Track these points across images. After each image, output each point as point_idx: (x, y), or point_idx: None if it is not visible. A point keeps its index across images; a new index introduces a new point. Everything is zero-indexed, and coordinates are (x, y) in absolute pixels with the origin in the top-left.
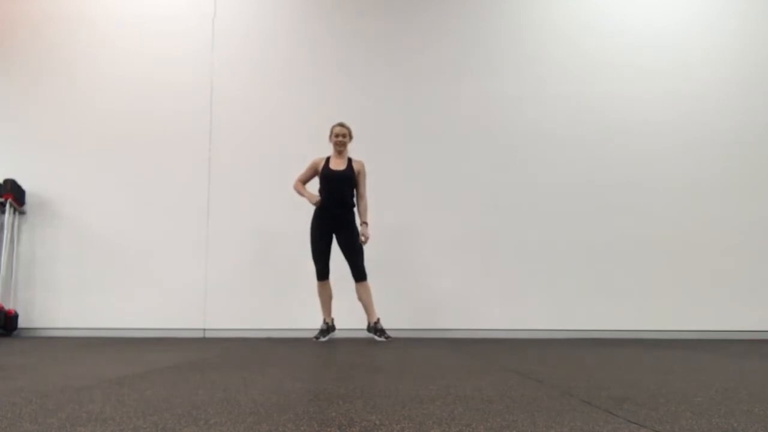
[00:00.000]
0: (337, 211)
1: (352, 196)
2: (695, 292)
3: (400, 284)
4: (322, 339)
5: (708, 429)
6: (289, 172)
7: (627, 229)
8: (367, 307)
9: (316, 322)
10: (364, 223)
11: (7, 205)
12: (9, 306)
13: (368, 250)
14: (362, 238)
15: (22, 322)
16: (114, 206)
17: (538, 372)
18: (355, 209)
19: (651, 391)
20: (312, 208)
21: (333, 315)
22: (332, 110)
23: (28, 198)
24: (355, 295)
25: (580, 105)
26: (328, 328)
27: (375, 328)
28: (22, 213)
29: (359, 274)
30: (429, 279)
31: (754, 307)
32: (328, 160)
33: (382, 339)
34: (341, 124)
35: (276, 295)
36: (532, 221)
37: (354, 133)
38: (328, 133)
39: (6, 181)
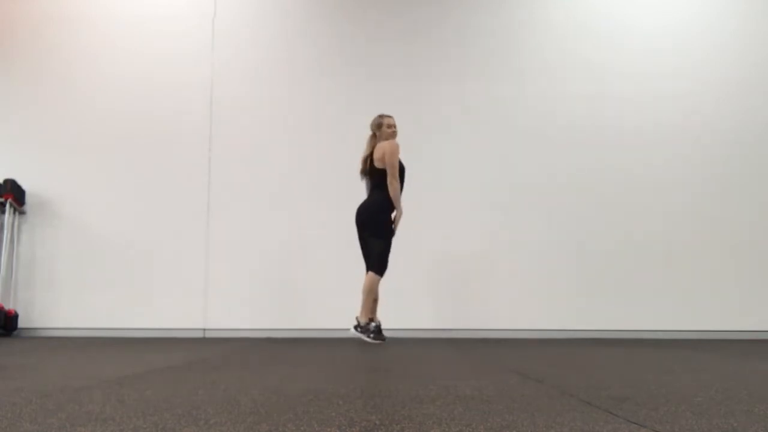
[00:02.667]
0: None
1: None
2: (695, 292)
3: (399, 285)
4: (381, 341)
5: (708, 429)
6: (288, 172)
7: (626, 229)
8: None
9: (316, 322)
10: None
11: (7, 205)
12: (9, 306)
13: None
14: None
15: (22, 322)
16: (114, 206)
17: (538, 372)
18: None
19: (651, 391)
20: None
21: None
22: (333, 110)
23: (28, 198)
24: (356, 296)
25: (581, 106)
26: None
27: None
28: (22, 213)
29: None
30: (428, 280)
31: (754, 307)
32: None
33: (357, 332)
34: (388, 115)
35: (276, 295)
36: (531, 222)
37: (358, 133)
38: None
39: (6, 181)
